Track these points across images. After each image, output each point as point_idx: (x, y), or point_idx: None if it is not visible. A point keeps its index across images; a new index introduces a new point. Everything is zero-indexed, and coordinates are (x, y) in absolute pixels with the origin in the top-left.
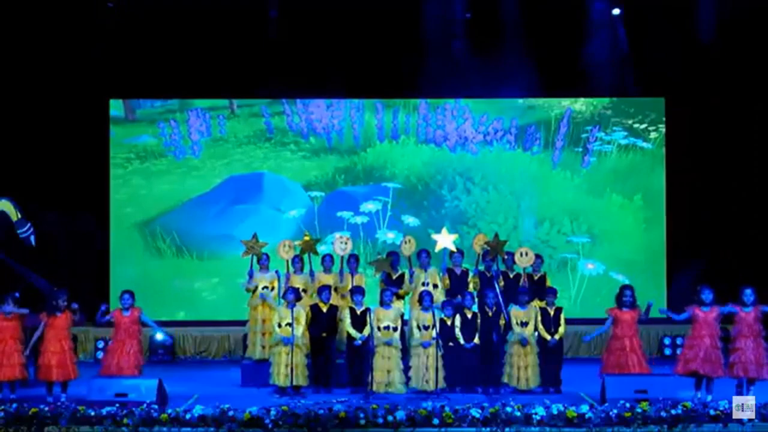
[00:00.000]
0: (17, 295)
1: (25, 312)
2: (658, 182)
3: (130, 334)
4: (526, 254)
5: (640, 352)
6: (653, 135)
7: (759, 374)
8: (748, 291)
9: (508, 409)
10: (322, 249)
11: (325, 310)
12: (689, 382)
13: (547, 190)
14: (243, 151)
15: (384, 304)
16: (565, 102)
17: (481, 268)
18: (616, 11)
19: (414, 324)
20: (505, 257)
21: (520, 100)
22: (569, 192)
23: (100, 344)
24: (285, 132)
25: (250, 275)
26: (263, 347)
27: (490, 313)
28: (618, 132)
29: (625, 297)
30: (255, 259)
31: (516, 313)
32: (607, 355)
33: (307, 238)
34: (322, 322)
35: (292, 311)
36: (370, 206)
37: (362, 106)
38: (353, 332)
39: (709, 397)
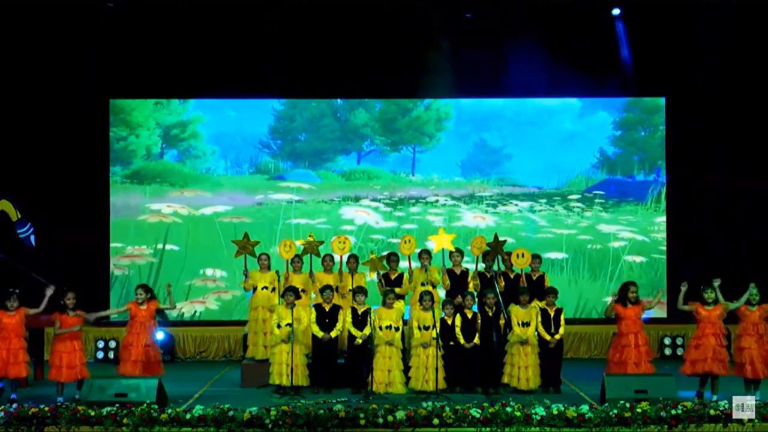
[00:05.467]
0: (17, 291)
1: (30, 312)
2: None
3: (146, 328)
4: (523, 255)
5: (644, 349)
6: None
7: (764, 374)
8: (753, 290)
9: (508, 409)
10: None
11: (327, 309)
12: (689, 382)
13: None
14: None
15: (386, 304)
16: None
17: (481, 268)
18: (616, 11)
19: (414, 324)
20: (505, 257)
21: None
22: None
23: (101, 344)
24: None
25: (245, 275)
26: (264, 347)
27: (490, 313)
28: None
29: (629, 293)
30: (249, 258)
31: (517, 313)
32: (612, 352)
33: (311, 238)
34: (325, 322)
35: (292, 311)
36: None
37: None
38: (354, 331)
39: (715, 397)
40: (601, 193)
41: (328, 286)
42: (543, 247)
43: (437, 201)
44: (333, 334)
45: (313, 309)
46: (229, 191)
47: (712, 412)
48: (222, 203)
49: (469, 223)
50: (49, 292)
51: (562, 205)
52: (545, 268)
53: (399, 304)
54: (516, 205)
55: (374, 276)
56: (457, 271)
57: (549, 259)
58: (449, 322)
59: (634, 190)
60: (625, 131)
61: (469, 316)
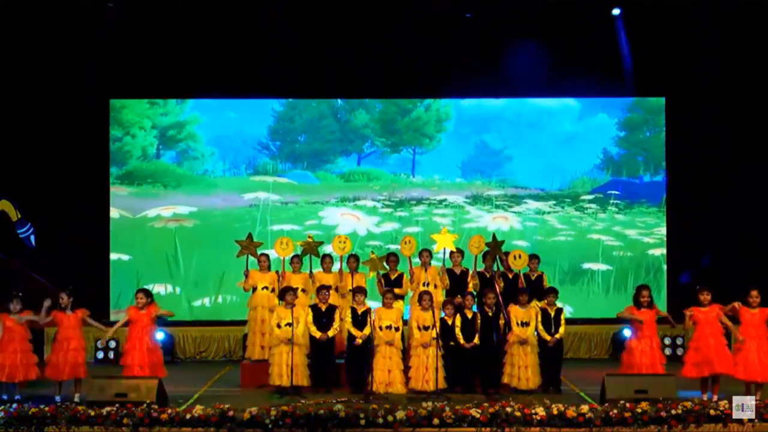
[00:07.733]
0: (20, 294)
1: (31, 317)
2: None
3: (148, 332)
4: (520, 257)
5: (657, 353)
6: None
7: (764, 377)
8: (754, 292)
9: (508, 409)
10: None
11: (324, 309)
12: (690, 382)
13: None
14: None
15: (386, 304)
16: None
17: (480, 268)
18: (615, 11)
19: (414, 324)
20: (503, 258)
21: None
22: None
23: (100, 344)
24: None
25: (246, 275)
26: (262, 347)
27: (490, 313)
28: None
29: (642, 297)
30: (250, 258)
31: (516, 313)
32: (626, 355)
33: (310, 239)
34: (322, 322)
35: (292, 311)
36: None
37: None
38: (354, 331)
39: (716, 397)
40: (616, 193)
41: (324, 286)
42: (562, 252)
43: (442, 202)
44: (330, 333)
45: (309, 309)
46: (225, 192)
47: (712, 412)
48: (207, 206)
49: (489, 224)
50: (47, 303)
51: (573, 207)
52: (587, 279)
53: (398, 304)
54: (522, 206)
55: (373, 275)
56: (457, 271)
57: (590, 270)
58: (449, 322)
59: (644, 191)
60: (629, 132)
61: (469, 316)
